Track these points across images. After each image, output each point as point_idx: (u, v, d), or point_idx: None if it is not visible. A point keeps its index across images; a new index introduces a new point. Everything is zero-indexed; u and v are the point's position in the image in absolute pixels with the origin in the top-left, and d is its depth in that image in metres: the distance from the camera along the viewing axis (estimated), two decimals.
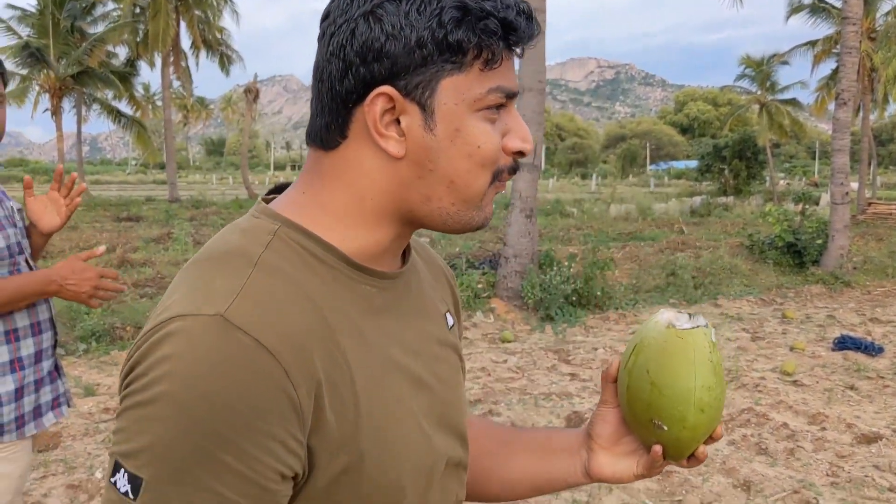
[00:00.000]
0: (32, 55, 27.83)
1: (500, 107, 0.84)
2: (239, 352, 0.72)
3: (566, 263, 9.36)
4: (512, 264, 9.12)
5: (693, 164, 46.37)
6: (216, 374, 0.71)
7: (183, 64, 33.40)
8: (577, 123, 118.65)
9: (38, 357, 2.16)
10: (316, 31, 0.87)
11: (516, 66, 0.90)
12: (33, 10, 29.30)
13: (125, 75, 32.04)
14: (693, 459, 1.00)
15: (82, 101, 31.79)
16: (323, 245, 0.85)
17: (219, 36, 33.97)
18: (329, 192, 0.87)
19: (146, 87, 62.15)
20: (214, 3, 32.58)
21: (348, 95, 0.82)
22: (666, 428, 0.96)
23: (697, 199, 25.84)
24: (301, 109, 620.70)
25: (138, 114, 34.44)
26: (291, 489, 0.77)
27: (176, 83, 35.29)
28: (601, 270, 9.54)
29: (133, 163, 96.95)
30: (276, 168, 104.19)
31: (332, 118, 0.84)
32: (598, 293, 9.26)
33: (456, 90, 0.81)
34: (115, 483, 0.72)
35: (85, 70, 28.44)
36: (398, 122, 0.82)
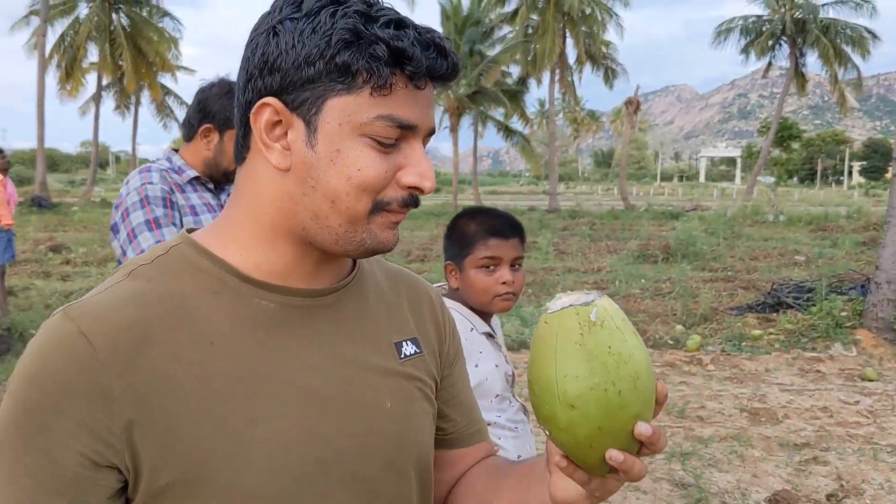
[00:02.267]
0: None
1: (398, 139, 0.84)
2: (60, 338, 0.78)
3: None
4: (884, 291, 7.91)
5: None
6: (37, 357, 0.79)
7: (568, 79, 34.64)
8: None
9: None
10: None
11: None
12: None
13: (515, 93, 34.14)
14: (616, 472, 0.81)
15: (479, 118, 34.56)
16: (212, 259, 0.88)
17: (603, 50, 34.63)
18: (235, 207, 0.91)
19: (542, 103, 65.58)
20: (599, 19, 33.29)
21: (248, 106, 0.86)
22: (548, 432, 0.82)
23: None
24: (693, 119, 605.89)
25: (527, 129, 36.47)
26: (117, 481, 0.79)
27: (559, 96, 36.65)
28: None
29: (526, 175, 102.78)
30: (662, 179, 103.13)
31: (240, 131, 0.90)
32: None
33: (342, 111, 0.82)
34: None
35: (479, 90, 30.89)
36: (286, 135, 0.85)
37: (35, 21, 32.46)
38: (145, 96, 39.36)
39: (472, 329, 1.91)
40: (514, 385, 2.06)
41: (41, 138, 30.35)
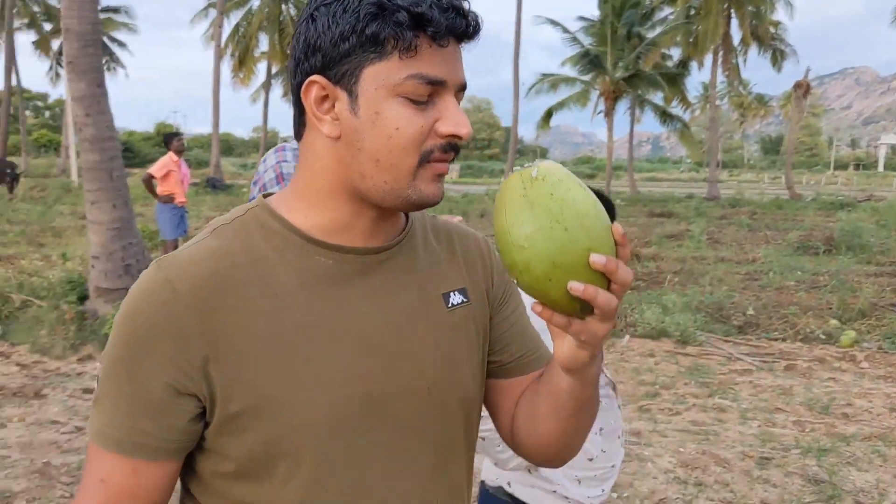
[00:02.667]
0: (591, 62, 30.54)
1: (430, 95, 0.94)
2: (153, 286, 0.94)
3: None
4: None
5: None
6: (134, 301, 0.94)
7: (732, 61, 33.14)
8: None
9: None
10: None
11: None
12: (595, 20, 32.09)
13: (674, 76, 33.06)
14: (592, 313, 0.88)
15: (636, 102, 33.77)
16: (280, 221, 1.01)
17: (771, 31, 32.87)
18: (300, 175, 1.03)
19: (706, 87, 62.98)
20: None
21: (299, 88, 0.97)
22: (516, 280, 0.90)
23: None
24: (873, 104, 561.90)
25: (687, 114, 35.23)
26: (196, 407, 0.94)
27: (723, 80, 35.12)
28: None
29: (687, 161, 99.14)
30: (836, 167, 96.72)
31: (295, 111, 1.01)
32: None
33: (376, 77, 0.92)
34: None
35: (636, 73, 30.16)
36: (334, 107, 0.96)
37: (213, 13, 34.70)
38: None
39: None
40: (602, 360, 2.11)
41: (216, 124, 32.49)
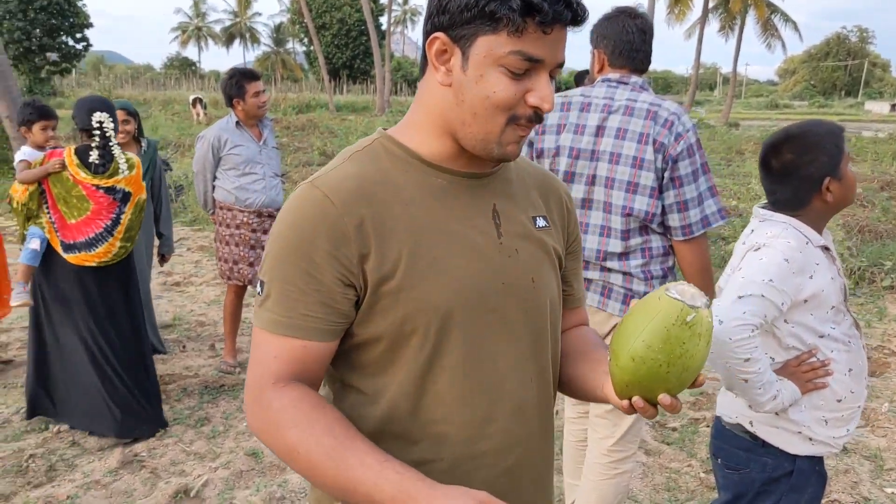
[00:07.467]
0: None
1: (527, 69, 1.09)
2: (311, 199, 1.13)
3: None
4: None
5: None
6: (298, 211, 1.14)
7: None
8: None
9: None
10: None
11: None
12: None
13: None
14: (639, 408, 1.10)
15: None
16: (402, 148, 1.20)
17: None
18: (414, 110, 1.22)
19: None
20: None
21: (426, 37, 1.14)
22: (610, 359, 1.10)
23: None
24: None
25: None
26: (354, 295, 1.14)
27: None
28: None
29: None
30: None
31: (420, 53, 1.20)
32: None
33: (487, 46, 1.08)
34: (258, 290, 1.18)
35: None
36: (450, 60, 1.12)
37: None
38: (750, 16, 38.84)
39: (807, 243, 2.00)
40: (847, 299, 2.09)
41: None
